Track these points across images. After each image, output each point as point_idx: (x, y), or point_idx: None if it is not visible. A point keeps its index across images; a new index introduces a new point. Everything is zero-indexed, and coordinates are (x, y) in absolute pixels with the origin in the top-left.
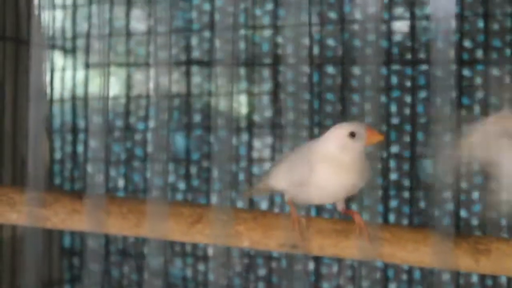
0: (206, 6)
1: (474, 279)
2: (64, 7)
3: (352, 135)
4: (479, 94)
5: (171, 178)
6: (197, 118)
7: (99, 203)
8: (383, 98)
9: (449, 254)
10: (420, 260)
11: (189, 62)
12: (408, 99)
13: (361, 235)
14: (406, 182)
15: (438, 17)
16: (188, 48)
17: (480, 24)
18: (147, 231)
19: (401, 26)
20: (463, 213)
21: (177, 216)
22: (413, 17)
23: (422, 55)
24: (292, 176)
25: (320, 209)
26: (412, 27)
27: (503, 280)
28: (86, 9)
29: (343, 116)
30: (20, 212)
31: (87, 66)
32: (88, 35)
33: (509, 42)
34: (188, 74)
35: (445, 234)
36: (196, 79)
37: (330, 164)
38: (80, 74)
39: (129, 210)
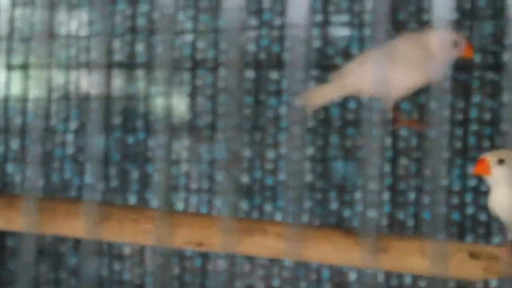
0: (128, 11)
1: (380, 278)
2: None
3: (456, 44)
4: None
5: (90, 179)
6: (116, 120)
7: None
8: None
9: (350, 251)
10: (323, 258)
11: (110, 65)
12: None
13: None
14: (319, 184)
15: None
16: (109, 51)
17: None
18: (56, 228)
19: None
20: (372, 214)
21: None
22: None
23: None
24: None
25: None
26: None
27: (408, 280)
28: (8, 12)
29: (259, 119)
30: None
31: (8, 68)
32: (10, 38)
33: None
34: (108, 77)
35: (346, 232)
36: (116, 81)
37: None
38: (1, 76)
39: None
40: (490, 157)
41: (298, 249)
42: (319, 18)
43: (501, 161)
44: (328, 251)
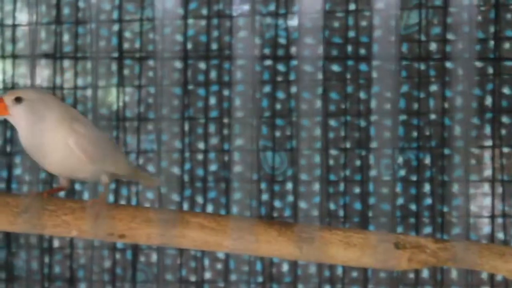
0: (81, 3)
1: (312, 270)
2: None
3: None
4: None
5: (17, 171)
6: None
7: None
8: (226, 92)
9: (273, 242)
10: (245, 248)
11: (60, 57)
12: (250, 92)
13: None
14: (249, 174)
15: (305, 14)
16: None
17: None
18: None
19: (272, 23)
20: (302, 205)
21: (3, 206)
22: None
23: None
24: None
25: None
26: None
27: (339, 271)
28: None
29: (214, 110)
30: None
31: None
32: None
33: (348, 39)
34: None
35: (270, 223)
36: (67, 73)
37: None
38: None
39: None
40: (6, 97)
41: (219, 240)
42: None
43: (18, 100)
44: (251, 242)
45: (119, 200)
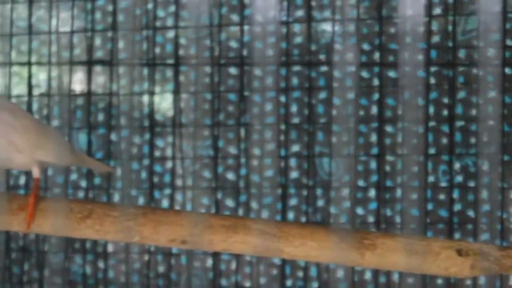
0: (110, 7)
1: (368, 276)
2: None
3: None
4: (376, 95)
5: (73, 176)
6: (100, 117)
7: None
8: (283, 98)
9: (335, 248)
10: (307, 255)
11: (91, 62)
12: (306, 99)
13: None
14: (305, 180)
15: (337, 20)
16: (90, 48)
17: (376, 27)
18: (36, 226)
19: (300, 29)
20: (359, 211)
21: (68, 212)
22: (310, 20)
23: (321, 57)
24: None
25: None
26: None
27: (395, 277)
28: None
29: (243, 116)
30: None
31: None
32: None
33: (404, 45)
34: (90, 74)
35: (331, 229)
36: (99, 78)
37: None
38: None
39: (19, 206)
40: None
41: (281, 246)
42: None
43: None
44: (313, 249)
45: (174, 206)
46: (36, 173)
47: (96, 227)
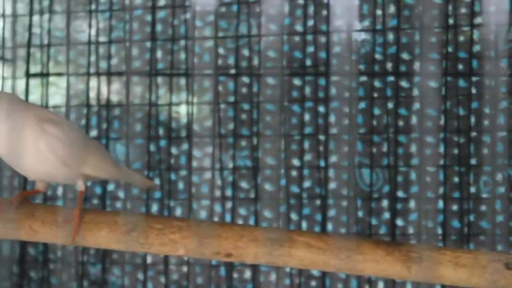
0: (148, 17)
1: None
2: (3, 16)
3: None
4: (416, 105)
5: (110, 187)
6: (137, 127)
7: (32, 212)
8: (321, 109)
9: (381, 262)
10: (353, 268)
11: (129, 72)
12: (346, 109)
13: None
14: (345, 191)
15: (377, 30)
16: (128, 58)
17: (417, 37)
18: (81, 239)
19: (315, 38)
20: (399, 222)
21: (112, 225)
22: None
23: (360, 67)
24: None
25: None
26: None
27: None
28: (26, 18)
29: (282, 126)
30: None
31: (27, 75)
32: (28, 45)
33: (445, 54)
34: (128, 84)
35: (377, 241)
36: (136, 88)
37: None
38: (20, 83)
39: (64, 219)
40: None
41: (326, 259)
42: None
43: None
44: (359, 262)
45: (212, 217)
46: (81, 186)
47: (140, 240)
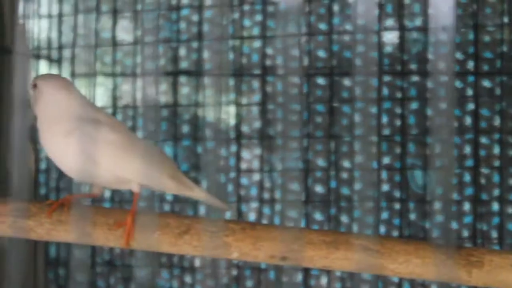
0: (195, 17)
1: None
2: (49, 16)
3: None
4: (470, 105)
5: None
6: (185, 128)
7: (85, 214)
8: (373, 109)
9: (441, 266)
10: (411, 272)
11: (177, 73)
12: (398, 110)
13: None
14: (397, 193)
15: (430, 29)
16: (176, 59)
17: (471, 36)
18: (134, 242)
19: (391, 38)
20: (454, 225)
21: (165, 227)
22: (403, 28)
23: (412, 66)
24: None
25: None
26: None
27: None
28: (72, 19)
29: (332, 127)
30: (4, 223)
31: (73, 76)
32: (74, 45)
33: (500, 53)
34: (175, 85)
35: (437, 245)
36: (184, 89)
37: None
38: None
39: (116, 222)
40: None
41: (384, 263)
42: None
43: (35, 86)
44: (417, 266)
45: (260, 219)
46: (135, 188)
47: (194, 243)
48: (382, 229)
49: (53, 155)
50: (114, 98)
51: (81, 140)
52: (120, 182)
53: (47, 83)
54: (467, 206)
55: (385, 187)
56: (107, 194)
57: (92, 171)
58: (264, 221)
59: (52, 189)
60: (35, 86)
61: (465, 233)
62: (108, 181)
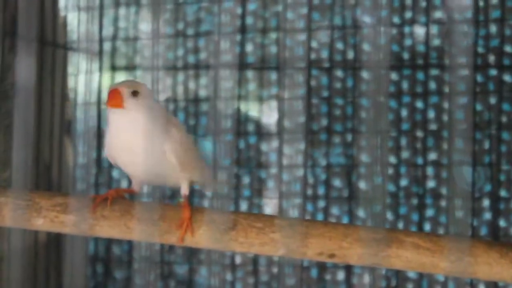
0: (238, 10)
1: None
2: (89, 9)
3: None
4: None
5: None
6: (226, 123)
7: (129, 209)
8: (419, 104)
9: (493, 264)
10: (463, 271)
11: (218, 66)
12: (446, 105)
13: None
14: (444, 190)
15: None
16: (217, 52)
17: (493, 29)
18: (176, 238)
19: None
20: (502, 223)
21: (210, 223)
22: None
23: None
24: None
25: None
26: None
27: None
28: (112, 11)
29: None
30: (46, 217)
31: (113, 69)
32: (114, 38)
33: None
34: (216, 78)
35: (490, 243)
36: (225, 83)
37: None
38: (106, 77)
39: (160, 217)
40: (124, 89)
41: (436, 261)
42: None
43: (135, 93)
44: (470, 264)
45: (303, 216)
46: (185, 189)
47: (240, 240)
48: (427, 227)
49: (129, 152)
50: (154, 92)
51: (162, 140)
52: (178, 181)
53: (148, 89)
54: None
55: (431, 184)
56: (145, 189)
57: (167, 172)
58: (307, 217)
59: (90, 184)
60: (136, 93)
61: None
62: (171, 181)
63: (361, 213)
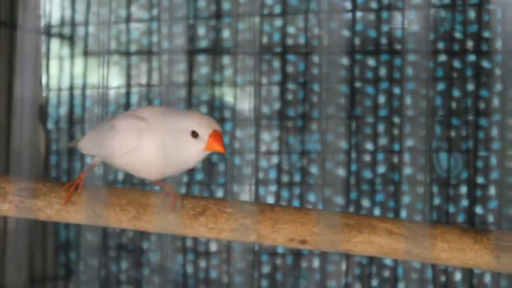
0: None
1: (487, 279)
2: None
3: (194, 134)
4: (498, 87)
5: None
6: (202, 109)
7: (97, 194)
8: (396, 90)
9: (467, 250)
10: (437, 257)
11: (194, 51)
12: (423, 91)
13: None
14: (421, 177)
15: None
16: (193, 37)
17: (472, 14)
18: (146, 224)
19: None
20: (478, 210)
21: (179, 209)
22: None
23: (440, 46)
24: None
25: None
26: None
27: None
28: None
29: (353, 108)
30: (12, 202)
31: (85, 54)
32: (87, 23)
33: None
34: (192, 64)
35: (464, 230)
36: (202, 69)
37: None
38: (79, 62)
39: (128, 202)
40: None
41: (409, 247)
42: None
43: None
44: (444, 250)
45: (279, 202)
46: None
47: (209, 225)
48: (404, 214)
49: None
50: (129, 77)
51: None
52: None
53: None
54: (492, 191)
55: (408, 170)
56: (120, 176)
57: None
58: (283, 202)
59: (63, 171)
60: (196, 134)
61: (490, 219)
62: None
63: (338, 200)
